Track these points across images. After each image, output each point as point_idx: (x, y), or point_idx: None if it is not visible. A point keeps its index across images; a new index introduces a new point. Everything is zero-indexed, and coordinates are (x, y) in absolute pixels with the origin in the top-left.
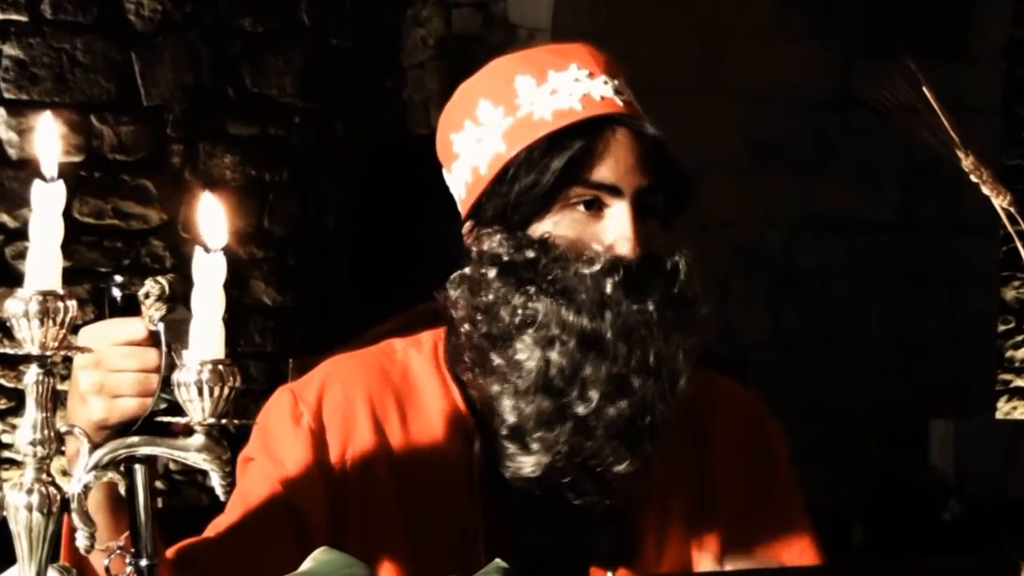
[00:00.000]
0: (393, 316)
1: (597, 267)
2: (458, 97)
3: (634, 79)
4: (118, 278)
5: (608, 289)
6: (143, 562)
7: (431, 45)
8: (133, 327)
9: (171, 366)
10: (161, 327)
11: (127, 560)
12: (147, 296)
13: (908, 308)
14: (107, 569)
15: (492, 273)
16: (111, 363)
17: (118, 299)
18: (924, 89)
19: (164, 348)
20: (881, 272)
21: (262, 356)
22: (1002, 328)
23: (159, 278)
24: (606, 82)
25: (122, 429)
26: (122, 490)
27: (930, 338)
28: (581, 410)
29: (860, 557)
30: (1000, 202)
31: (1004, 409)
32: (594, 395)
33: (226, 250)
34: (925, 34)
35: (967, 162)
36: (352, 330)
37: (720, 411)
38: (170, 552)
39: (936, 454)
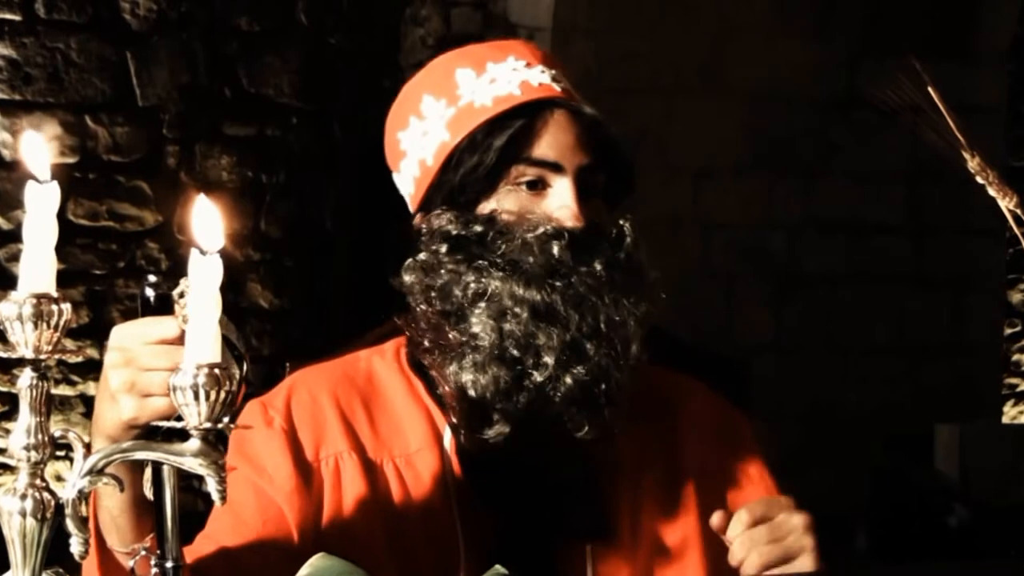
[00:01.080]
0: (388, 320)
1: (542, 231)
2: (402, 97)
3: (635, 79)
4: (152, 278)
5: (555, 251)
6: (168, 564)
7: (430, 45)
8: (165, 326)
9: None
10: None
11: (152, 562)
12: (182, 295)
13: (913, 311)
14: (132, 571)
15: (443, 249)
16: (142, 362)
17: (151, 299)
18: (929, 89)
19: None
20: (886, 275)
21: (259, 360)
22: (1009, 332)
23: None
24: (543, 71)
25: (151, 430)
26: (148, 492)
27: (936, 342)
28: (538, 377)
29: (864, 562)
30: (1006, 204)
31: (1011, 413)
32: (549, 360)
33: (222, 252)
34: (930, 33)
35: (973, 163)
36: (349, 333)
37: (687, 398)
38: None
39: (941, 458)
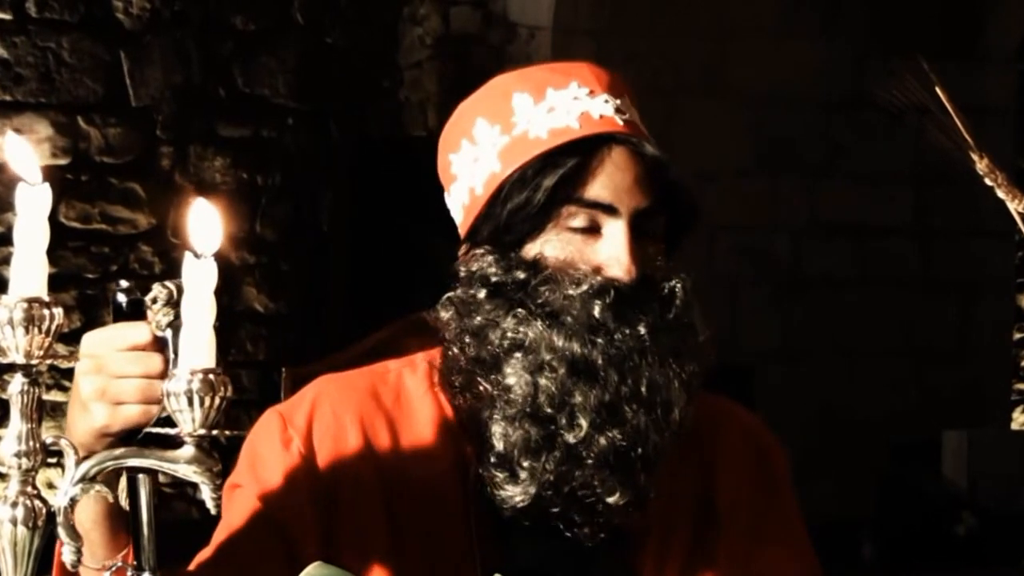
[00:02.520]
0: (387, 324)
1: (585, 288)
2: (456, 117)
3: (637, 80)
4: (123, 283)
5: (596, 312)
6: (145, 575)
7: (428, 44)
8: (138, 332)
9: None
10: (168, 333)
11: (128, 574)
12: (154, 301)
13: (921, 316)
14: None
15: (482, 294)
16: (114, 368)
17: (123, 304)
18: (937, 89)
19: (172, 355)
20: (893, 279)
21: (254, 365)
22: (1018, 336)
23: (167, 283)
24: (607, 101)
25: (125, 438)
26: (123, 502)
27: (943, 347)
28: (570, 438)
29: (870, 571)
30: (1015, 206)
31: (1020, 420)
32: (583, 423)
33: (217, 255)
34: (938, 33)
35: (981, 164)
36: (347, 338)
37: (723, 438)
38: None
39: (949, 466)
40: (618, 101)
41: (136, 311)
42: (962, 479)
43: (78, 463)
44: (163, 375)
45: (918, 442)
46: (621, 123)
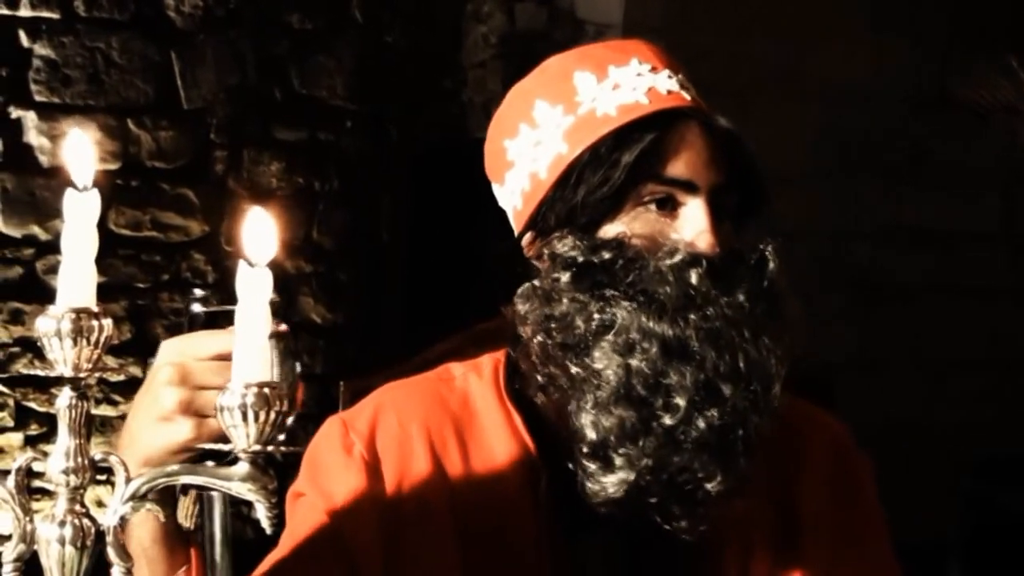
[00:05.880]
0: (451, 335)
1: (679, 258)
2: (510, 100)
3: (708, 78)
4: (199, 292)
5: (694, 280)
6: None
7: (493, 43)
8: (223, 340)
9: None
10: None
11: None
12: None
13: (1008, 325)
14: None
15: (566, 277)
16: (200, 379)
17: (202, 315)
18: None
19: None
20: (978, 287)
21: (311, 378)
22: None
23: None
24: (670, 76)
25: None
26: (184, 520)
27: None
28: (668, 420)
29: None
30: None
31: None
32: (681, 403)
33: (272, 264)
34: None
35: None
36: (407, 350)
37: (808, 445)
38: None
39: None
40: (679, 76)
41: (213, 323)
42: None
43: (128, 480)
44: None
45: (1006, 457)
46: (688, 98)
